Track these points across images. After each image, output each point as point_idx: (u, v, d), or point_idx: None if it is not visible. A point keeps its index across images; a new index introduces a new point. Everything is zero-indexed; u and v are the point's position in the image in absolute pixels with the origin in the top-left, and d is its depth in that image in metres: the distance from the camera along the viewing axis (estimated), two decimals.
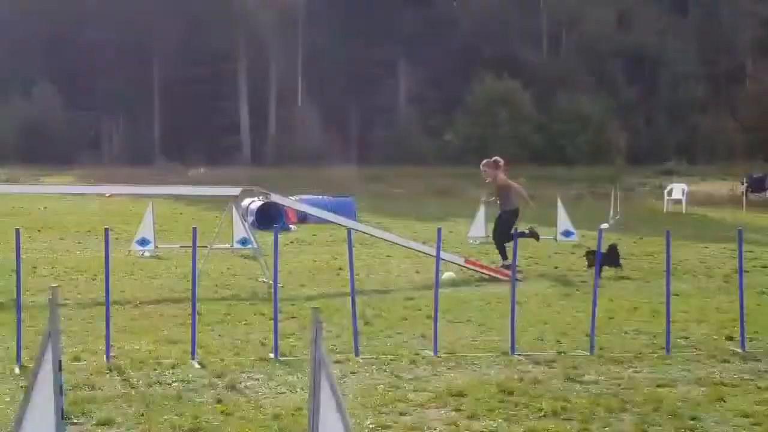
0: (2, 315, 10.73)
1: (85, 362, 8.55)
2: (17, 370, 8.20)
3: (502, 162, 16.16)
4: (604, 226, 15.79)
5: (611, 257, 15.14)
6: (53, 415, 4.16)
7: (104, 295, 8.95)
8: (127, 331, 10.05)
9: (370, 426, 6.85)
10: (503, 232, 15.43)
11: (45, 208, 28.67)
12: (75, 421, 6.69)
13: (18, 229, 8.99)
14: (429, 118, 61.45)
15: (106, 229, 9.09)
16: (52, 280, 13.70)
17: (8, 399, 7.35)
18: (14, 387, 7.70)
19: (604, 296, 11.54)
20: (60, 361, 4.24)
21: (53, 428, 4.14)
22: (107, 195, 32.44)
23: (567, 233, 19.15)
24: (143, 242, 16.86)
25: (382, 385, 8.00)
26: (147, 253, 16.86)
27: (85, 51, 62.63)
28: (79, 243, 19.07)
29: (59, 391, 4.20)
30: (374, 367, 8.68)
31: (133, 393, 7.63)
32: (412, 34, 62.24)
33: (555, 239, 19.14)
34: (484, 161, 16.33)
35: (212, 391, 7.74)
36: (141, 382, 7.97)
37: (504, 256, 15.40)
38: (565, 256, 17.77)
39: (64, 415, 4.20)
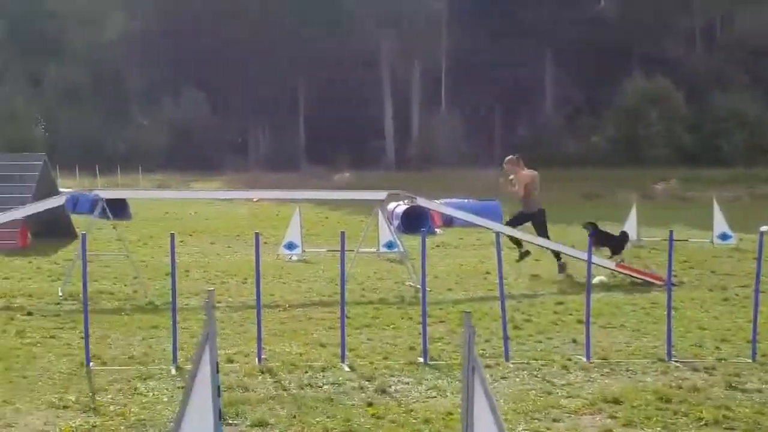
0: (157, 318, 11.06)
1: (238, 364, 8.69)
2: (173, 371, 8.40)
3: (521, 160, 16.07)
4: (765, 228, 15.15)
5: (616, 241, 15.60)
6: (211, 416, 4.19)
7: (255, 298, 9.08)
8: (278, 334, 10.18)
9: None
10: (544, 231, 15.42)
11: (195, 212, 29.54)
12: (230, 422, 6.79)
13: (173, 233, 9.23)
14: (575, 120, 60.52)
15: (257, 234, 9.22)
16: (204, 284, 14.06)
17: (166, 399, 7.53)
18: (171, 387, 7.89)
19: (766, 303, 11.00)
20: (217, 363, 4.28)
21: (211, 428, 4.17)
22: (255, 200, 33.25)
23: (724, 236, 18.50)
24: (291, 246, 17.08)
25: (533, 391, 7.84)
26: (294, 257, 17.11)
27: (233, 58, 64.29)
28: (228, 247, 19.53)
29: (217, 392, 4.23)
30: (525, 372, 8.53)
31: (285, 395, 7.70)
32: (558, 34, 61.39)
33: (711, 242, 18.51)
34: (507, 158, 16.17)
35: (362, 394, 7.75)
36: (292, 384, 8.05)
37: (557, 256, 15.30)
38: (722, 260, 17.14)
39: (221, 415, 4.23)
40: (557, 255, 15.26)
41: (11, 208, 15.43)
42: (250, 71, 64.45)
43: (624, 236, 16.61)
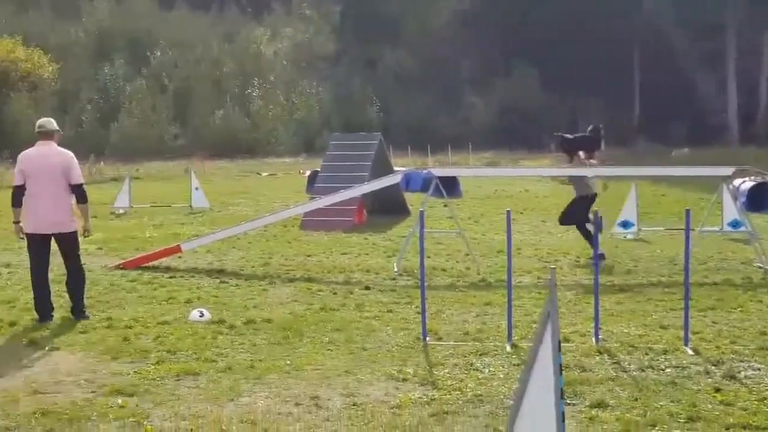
0: (490, 295, 11.03)
1: (574, 344, 8.44)
2: (508, 348, 8.30)
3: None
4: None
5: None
6: (552, 394, 4.02)
7: (589, 277, 8.77)
8: (615, 314, 9.80)
9: None
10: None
11: (526, 190, 29.48)
12: (568, 401, 6.57)
13: (509, 210, 9.11)
14: None
15: (596, 212, 8.89)
16: (536, 262, 13.90)
17: (502, 376, 7.44)
18: (507, 364, 7.79)
19: None
20: (559, 341, 4.09)
21: (552, 406, 4.00)
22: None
23: None
24: (626, 225, 16.56)
25: None
26: (630, 236, 16.53)
27: (563, 33, 63.61)
28: (560, 225, 19.22)
29: (559, 370, 4.05)
30: None
31: (624, 377, 7.37)
32: None
33: None
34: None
35: (709, 379, 7.25)
36: (632, 366, 7.68)
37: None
38: None
39: (563, 394, 4.05)
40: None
41: (349, 186, 16.10)
42: (581, 46, 63.44)
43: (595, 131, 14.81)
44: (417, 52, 70.15)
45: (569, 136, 15.14)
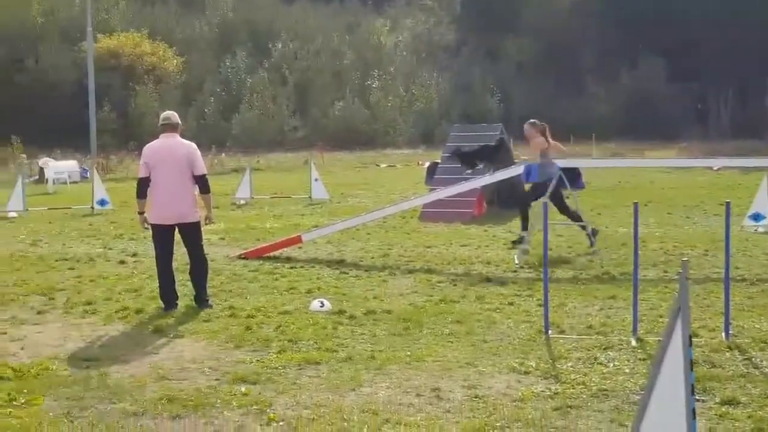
0: (614, 288, 10.79)
1: (702, 339, 8.17)
2: (634, 343, 8.09)
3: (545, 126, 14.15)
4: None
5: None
6: (683, 389, 3.89)
7: (719, 270, 8.48)
8: (746, 309, 9.45)
9: None
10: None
11: (651, 182, 28.80)
12: (698, 397, 6.35)
13: (636, 202, 8.86)
14: None
15: (727, 203, 8.57)
16: (661, 255, 13.54)
17: (627, 371, 7.25)
18: (632, 359, 7.59)
19: None
20: (690, 336, 3.94)
21: (683, 402, 3.88)
22: (716, 168, 31.71)
23: None
24: (756, 217, 15.99)
25: None
26: (761, 229, 15.95)
27: (691, 21, 61.88)
28: (687, 218, 18.70)
29: (689, 365, 3.91)
30: None
31: (756, 373, 7.09)
32: None
33: None
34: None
35: None
36: (765, 362, 7.39)
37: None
38: None
39: (693, 390, 3.90)
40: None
41: (470, 177, 15.99)
42: (712, 35, 61.59)
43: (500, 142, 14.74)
44: (538, 41, 69.35)
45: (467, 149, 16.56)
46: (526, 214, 14.67)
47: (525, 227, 14.70)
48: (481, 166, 17.02)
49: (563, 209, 14.40)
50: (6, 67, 55.24)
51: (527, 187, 15.04)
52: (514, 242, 14.83)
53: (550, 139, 14.48)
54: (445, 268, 12.75)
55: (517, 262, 12.98)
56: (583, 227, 14.13)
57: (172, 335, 8.82)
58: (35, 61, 56.85)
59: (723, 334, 8.25)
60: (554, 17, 69.46)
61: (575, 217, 14.25)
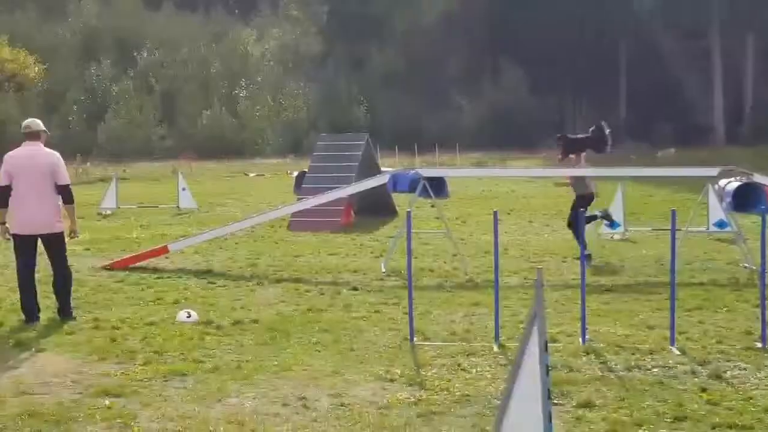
0: (478, 295, 11.05)
1: (561, 344, 8.46)
2: (496, 348, 8.32)
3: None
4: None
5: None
6: (539, 394, 4.04)
7: (576, 277, 8.80)
8: (602, 315, 9.83)
9: None
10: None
11: (513, 191, 29.53)
12: (555, 401, 6.59)
13: (496, 211, 9.13)
14: None
15: (582, 211, 8.90)
16: (523, 262, 13.92)
17: (489, 376, 7.46)
18: (494, 364, 7.81)
19: None
20: (546, 342, 4.10)
21: (539, 406, 4.02)
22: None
23: None
24: (612, 225, 16.59)
25: None
26: (617, 236, 16.59)
27: (552, 33, 63.74)
28: (547, 225, 19.29)
29: (546, 371, 4.07)
30: None
31: (611, 376, 7.39)
32: None
33: None
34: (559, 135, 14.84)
35: (695, 379, 7.28)
36: (619, 366, 7.71)
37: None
38: None
39: (550, 394, 4.06)
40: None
41: (336, 186, 16.10)
42: (569, 45, 63.61)
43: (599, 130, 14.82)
44: (404, 52, 70.27)
45: (573, 136, 15.21)
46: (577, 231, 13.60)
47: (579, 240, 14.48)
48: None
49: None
50: None
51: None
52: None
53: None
54: (313, 276, 12.81)
55: (383, 270, 13.14)
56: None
57: (34, 348, 8.60)
58: None
59: (580, 338, 8.56)
60: (419, 28, 70.46)
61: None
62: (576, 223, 13.61)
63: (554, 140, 15.79)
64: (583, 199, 14.33)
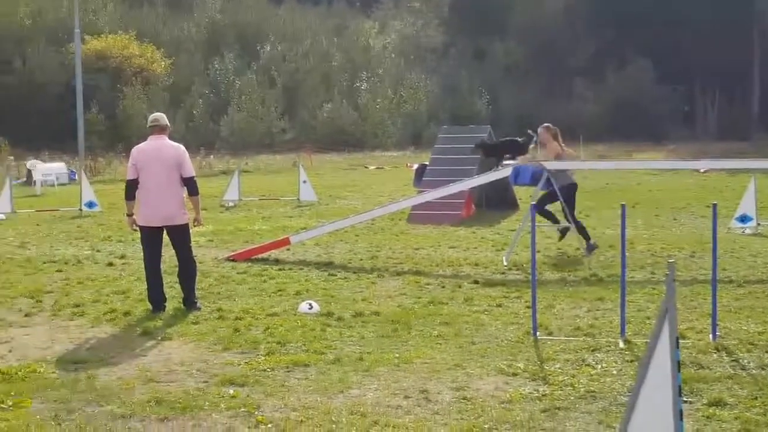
0: (602, 290, 10.82)
1: (690, 340, 8.19)
2: (621, 345, 8.12)
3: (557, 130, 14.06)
4: None
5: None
6: (670, 391, 3.90)
7: (706, 272, 8.50)
8: (733, 311, 9.49)
9: None
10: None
11: (639, 184, 28.86)
12: (685, 398, 6.37)
13: (623, 204, 8.88)
14: None
15: (714, 205, 8.61)
16: (649, 257, 13.57)
17: (615, 372, 7.27)
18: (620, 360, 7.62)
19: None
20: (677, 338, 3.95)
21: (670, 403, 3.89)
22: (702, 170, 31.80)
23: None
24: (744, 219, 16.06)
25: None
26: (748, 231, 16.02)
27: (679, 24, 62.08)
28: (674, 219, 18.77)
29: (676, 367, 3.93)
30: None
31: (743, 374, 7.12)
32: None
33: None
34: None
35: None
36: (752, 364, 7.42)
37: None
38: None
39: (681, 391, 3.92)
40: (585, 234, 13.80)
41: (458, 179, 16.00)
42: (697, 37, 61.77)
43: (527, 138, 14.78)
44: (526, 43, 69.49)
45: (491, 142, 16.61)
46: (547, 212, 14.29)
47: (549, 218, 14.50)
48: (513, 159, 16.73)
49: (543, 212, 14.26)
50: None
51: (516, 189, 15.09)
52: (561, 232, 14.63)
53: (563, 144, 14.43)
54: (433, 270, 12.76)
55: (505, 263, 13.00)
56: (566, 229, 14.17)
57: (160, 337, 8.80)
58: (23, 62, 56.56)
59: (710, 335, 8.28)
60: (542, 19, 69.62)
61: (552, 218, 14.33)
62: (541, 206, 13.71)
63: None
64: (567, 189, 13.90)
